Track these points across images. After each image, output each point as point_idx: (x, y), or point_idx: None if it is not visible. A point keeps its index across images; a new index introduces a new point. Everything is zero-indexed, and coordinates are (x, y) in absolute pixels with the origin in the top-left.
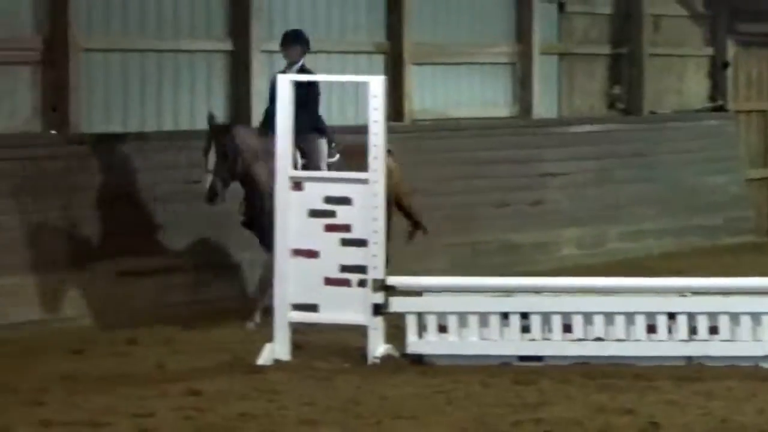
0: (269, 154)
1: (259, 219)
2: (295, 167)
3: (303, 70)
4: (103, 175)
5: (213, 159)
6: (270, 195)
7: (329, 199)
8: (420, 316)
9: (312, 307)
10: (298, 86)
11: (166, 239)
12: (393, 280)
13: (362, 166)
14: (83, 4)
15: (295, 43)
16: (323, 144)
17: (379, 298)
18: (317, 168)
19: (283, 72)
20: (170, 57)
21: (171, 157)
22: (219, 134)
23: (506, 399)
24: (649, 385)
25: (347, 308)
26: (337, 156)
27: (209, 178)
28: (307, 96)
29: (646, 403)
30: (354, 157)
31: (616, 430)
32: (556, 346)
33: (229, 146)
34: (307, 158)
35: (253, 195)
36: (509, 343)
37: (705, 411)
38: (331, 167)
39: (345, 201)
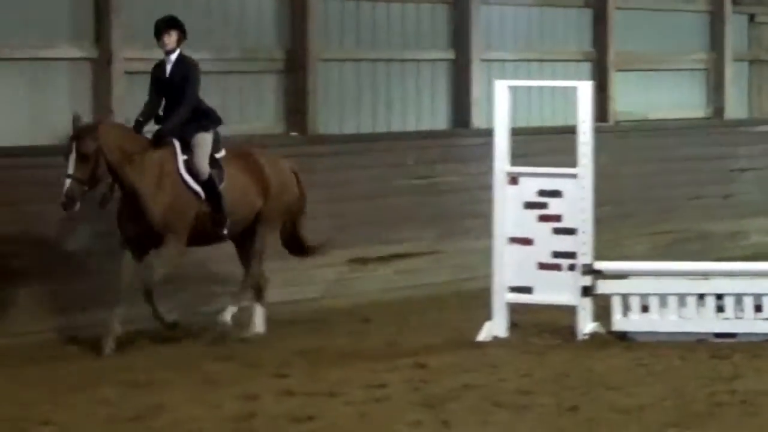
0: (145, 152)
1: (138, 225)
2: (180, 160)
3: (181, 59)
4: (338, 172)
5: (72, 161)
6: (145, 195)
7: (542, 192)
8: (624, 297)
9: (527, 290)
10: (176, 74)
11: (394, 230)
12: (600, 265)
13: (248, 167)
14: (321, 19)
15: (170, 29)
16: (207, 138)
17: (587, 281)
18: (199, 163)
19: (160, 63)
20: (398, 66)
21: (398, 156)
22: (81, 135)
23: (702, 372)
24: None
25: (558, 290)
26: (223, 151)
27: (67, 183)
28: (185, 84)
29: None
30: (241, 157)
31: None
32: (748, 324)
33: (90, 147)
34: (191, 152)
35: (126, 201)
36: (705, 322)
37: None
38: (215, 163)
39: (556, 194)
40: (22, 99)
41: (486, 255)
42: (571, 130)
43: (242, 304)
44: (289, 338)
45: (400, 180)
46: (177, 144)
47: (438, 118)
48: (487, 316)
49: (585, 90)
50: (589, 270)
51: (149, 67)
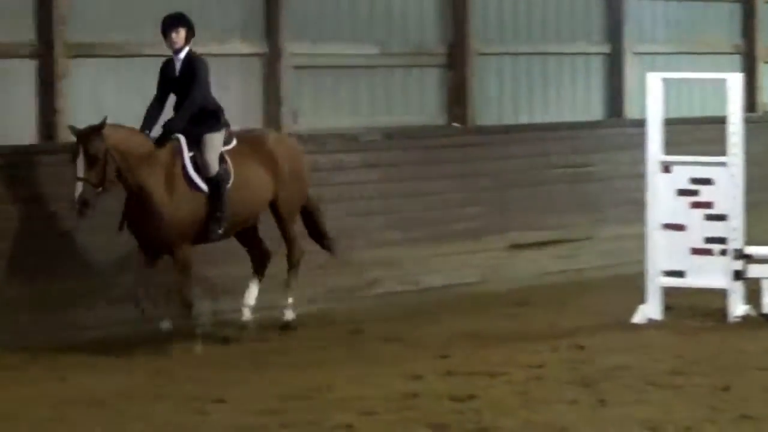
0: (151, 152)
1: (144, 227)
2: (187, 156)
3: (190, 58)
4: (496, 161)
5: (81, 165)
6: (154, 197)
7: (694, 180)
8: None
9: (680, 273)
10: (186, 73)
11: (550, 216)
12: (750, 250)
13: (258, 152)
14: (480, 15)
15: (177, 26)
16: (217, 138)
17: (738, 265)
18: (209, 160)
19: (170, 61)
20: (554, 59)
21: (554, 145)
22: (87, 138)
23: None
24: None
25: (710, 274)
26: (234, 142)
27: (79, 187)
28: (193, 82)
29: None
30: (251, 143)
31: None
32: None
33: (99, 148)
34: (199, 152)
35: (136, 205)
36: None
37: None
38: (225, 155)
39: (707, 181)
40: None
41: (638, 240)
42: (721, 120)
43: (290, 299)
44: (450, 321)
45: (556, 168)
46: (183, 140)
47: (592, 109)
48: (641, 299)
49: (735, 82)
50: (740, 255)
51: (317, 62)
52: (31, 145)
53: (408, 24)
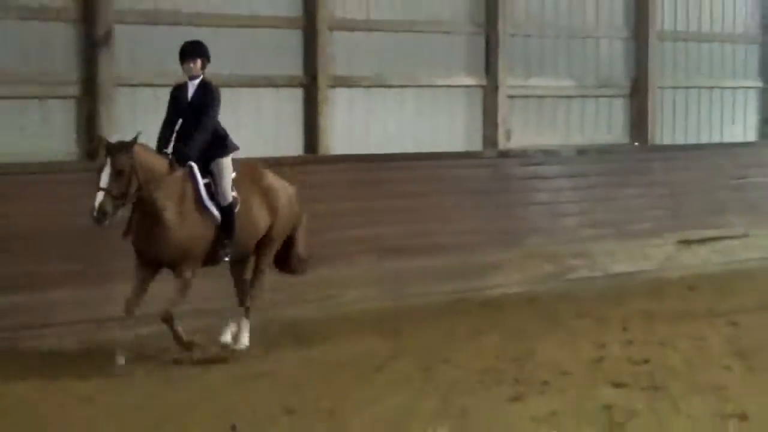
0: (167, 175)
1: (154, 247)
2: (201, 183)
3: (204, 84)
4: (671, 172)
5: (107, 176)
6: (167, 220)
7: None
8: None
9: None
10: (198, 99)
11: (714, 218)
12: None
13: (257, 189)
14: (659, 55)
15: (195, 56)
16: (227, 163)
17: None
18: (224, 188)
19: (182, 86)
20: (718, 92)
21: (718, 160)
22: (116, 151)
23: None
24: None
25: None
26: (234, 173)
27: (100, 197)
28: (205, 108)
29: None
30: (251, 176)
31: None
32: None
33: (126, 163)
34: (212, 177)
35: (145, 220)
36: None
37: None
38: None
39: None
40: (423, 118)
41: None
42: None
43: (244, 323)
44: (631, 301)
45: (719, 179)
46: (196, 167)
47: (748, 133)
48: None
49: None
50: None
51: (526, 92)
52: (298, 156)
53: (599, 62)
